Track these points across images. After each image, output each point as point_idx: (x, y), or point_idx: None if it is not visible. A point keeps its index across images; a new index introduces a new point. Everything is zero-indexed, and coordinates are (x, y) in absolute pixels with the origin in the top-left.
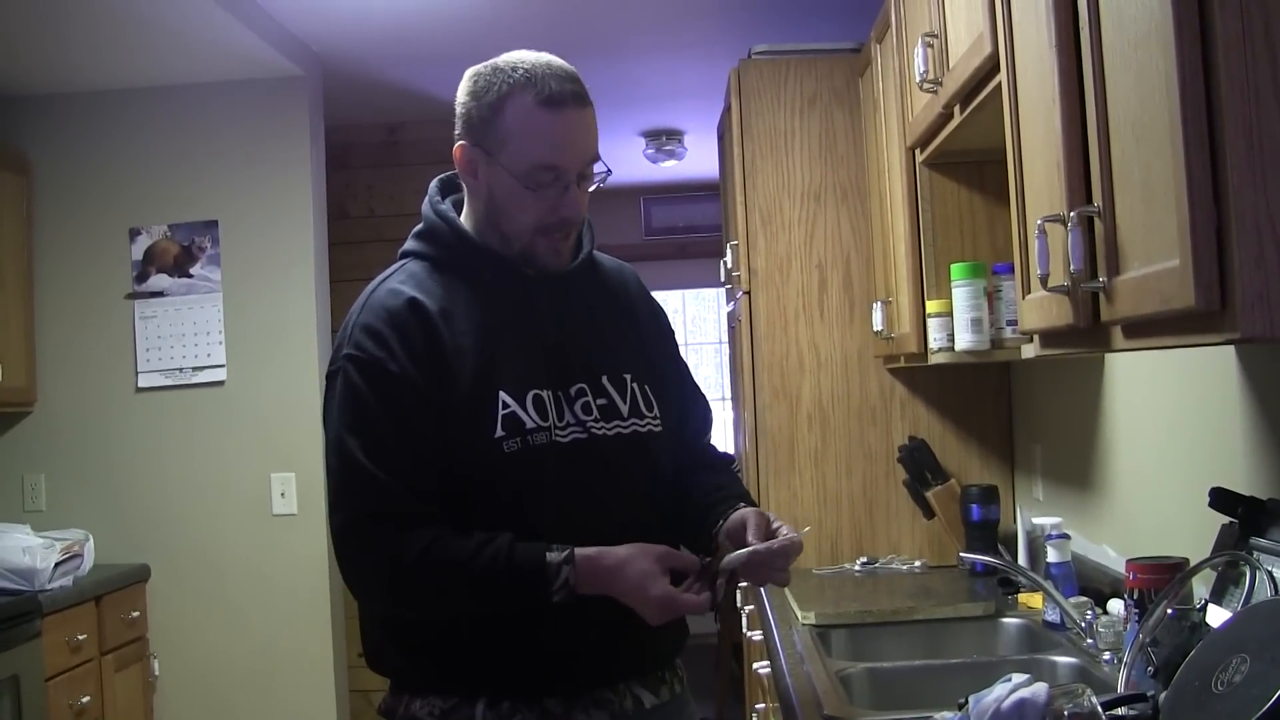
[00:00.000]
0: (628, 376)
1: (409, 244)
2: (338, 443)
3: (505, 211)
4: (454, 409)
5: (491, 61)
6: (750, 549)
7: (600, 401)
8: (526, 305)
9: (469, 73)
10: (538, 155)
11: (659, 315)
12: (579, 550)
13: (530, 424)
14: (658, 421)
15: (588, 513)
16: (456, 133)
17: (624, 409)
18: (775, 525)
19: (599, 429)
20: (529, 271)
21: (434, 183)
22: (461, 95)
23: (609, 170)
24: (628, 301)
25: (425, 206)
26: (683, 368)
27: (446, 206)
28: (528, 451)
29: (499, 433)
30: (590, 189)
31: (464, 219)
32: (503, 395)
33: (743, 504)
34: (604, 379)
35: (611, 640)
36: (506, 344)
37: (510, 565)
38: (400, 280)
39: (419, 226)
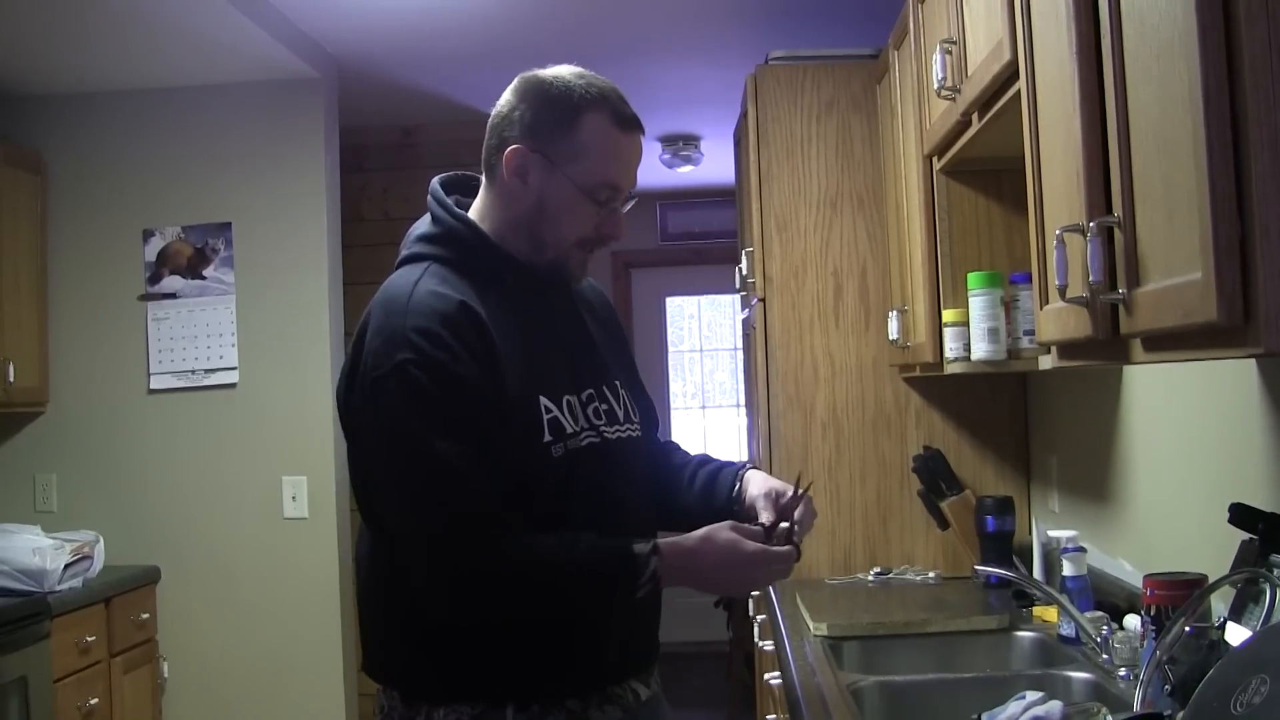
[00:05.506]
0: (617, 383)
1: (422, 247)
2: (415, 445)
3: (554, 220)
4: (506, 414)
5: (552, 72)
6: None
7: (604, 406)
8: (546, 311)
9: (531, 79)
10: (608, 173)
11: (619, 322)
12: (660, 540)
13: (570, 428)
14: (639, 428)
15: (612, 515)
16: (510, 136)
17: (620, 414)
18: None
19: (609, 433)
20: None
21: (436, 183)
22: (519, 100)
23: (637, 197)
24: (605, 310)
25: (438, 209)
26: (636, 371)
27: (461, 211)
28: (568, 456)
29: (547, 437)
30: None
31: (478, 221)
32: (543, 400)
33: (744, 467)
34: (603, 385)
35: (627, 639)
36: (538, 349)
37: (604, 560)
38: (436, 283)
39: (432, 229)
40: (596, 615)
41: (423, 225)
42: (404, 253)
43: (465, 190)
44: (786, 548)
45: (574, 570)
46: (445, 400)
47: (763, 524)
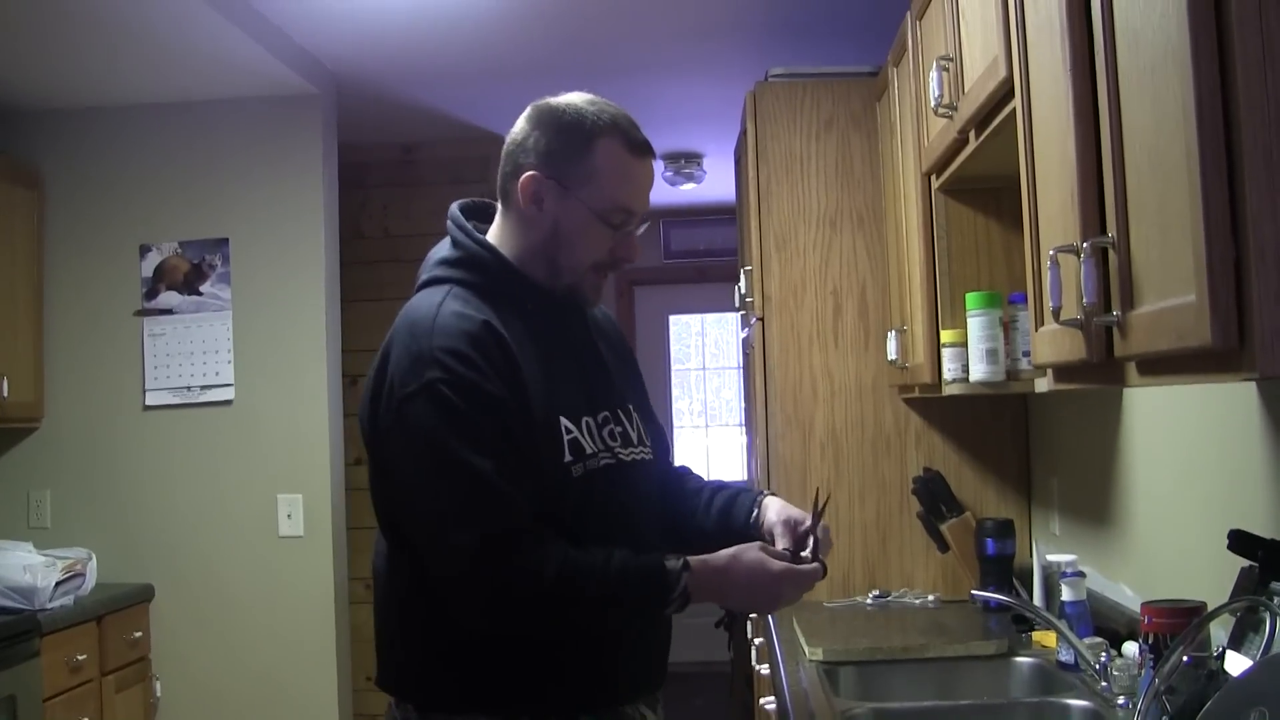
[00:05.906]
0: (630, 406)
1: (444, 271)
2: (448, 461)
3: (570, 245)
4: (531, 432)
5: (565, 99)
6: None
7: (618, 429)
8: (564, 334)
9: (544, 107)
10: (621, 197)
11: (629, 347)
12: (690, 557)
13: (589, 449)
14: (650, 451)
15: (624, 534)
16: (525, 163)
17: (633, 436)
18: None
19: (624, 455)
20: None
21: (457, 209)
22: (534, 128)
23: (649, 221)
24: (615, 335)
25: (459, 234)
26: (646, 396)
27: (481, 236)
28: (587, 476)
29: (568, 457)
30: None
31: (497, 246)
32: (564, 421)
33: (761, 494)
34: (617, 408)
35: (641, 660)
36: (558, 370)
37: (638, 576)
38: (460, 304)
39: (454, 254)
40: (626, 629)
41: (443, 249)
42: (424, 277)
43: (482, 217)
44: (813, 565)
45: (608, 585)
46: (475, 417)
47: (788, 549)
